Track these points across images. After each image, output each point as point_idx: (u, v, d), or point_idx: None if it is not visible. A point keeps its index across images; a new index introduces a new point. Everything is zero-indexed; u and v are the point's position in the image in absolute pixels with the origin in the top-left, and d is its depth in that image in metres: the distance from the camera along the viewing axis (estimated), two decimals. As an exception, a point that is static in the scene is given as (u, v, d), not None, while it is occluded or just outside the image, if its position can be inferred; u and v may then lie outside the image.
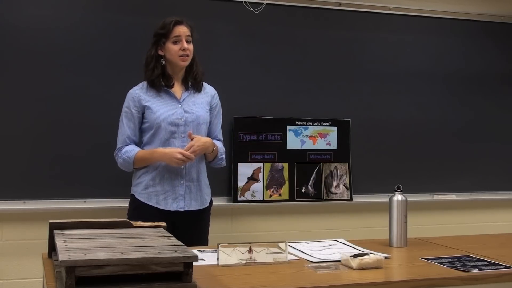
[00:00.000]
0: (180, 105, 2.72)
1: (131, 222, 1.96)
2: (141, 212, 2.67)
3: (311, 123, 3.61)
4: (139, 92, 2.74)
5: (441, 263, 2.02)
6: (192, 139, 2.64)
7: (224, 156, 2.84)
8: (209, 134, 2.83)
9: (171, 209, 2.69)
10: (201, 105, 2.77)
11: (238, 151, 3.44)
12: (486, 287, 1.88)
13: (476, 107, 3.97)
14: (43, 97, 3.12)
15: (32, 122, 3.11)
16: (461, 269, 1.93)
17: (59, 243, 1.64)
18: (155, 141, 2.70)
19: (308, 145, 3.61)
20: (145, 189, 2.71)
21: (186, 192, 2.70)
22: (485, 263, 2.04)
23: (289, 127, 3.57)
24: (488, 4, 3.99)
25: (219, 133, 2.88)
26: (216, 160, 2.82)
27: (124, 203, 3.12)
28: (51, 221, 1.89)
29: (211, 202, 2.85)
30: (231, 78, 3.38)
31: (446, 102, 3.90)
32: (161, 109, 2.69)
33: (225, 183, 3.41)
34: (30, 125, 3.10)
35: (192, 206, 2.73)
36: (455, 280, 1.85)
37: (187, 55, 2.71)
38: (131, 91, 2.77)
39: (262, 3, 3.46)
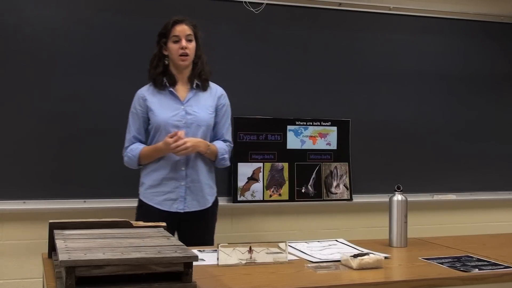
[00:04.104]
0: (182, 107, 2.73)
1: (131, 222, 1.96)
2: (144, 212, 2.70)
3: (311, 123, 3.61)
4: (144, 93, 2.76)
5: (441, 263, 2.02)
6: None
7: (226, 156, 2.81)
8: (215, 135, 2.83)
9: (172, 210, 2.69)
10: (205, 106, 2.77)
11: (238, 151, 3.43)
12: (486, 287, 1.88)
13: (476, 107, 3.97)
14: (43, 97, 3.12)
15: (32, 122, 3.11)
16: (461, 269, 1.93)
17: (59, 243, 1.64)
18: (157, 141, 2.71)
19: (308, 145, 3.61)
20: (147, 190, 2.73)
21: (186, 193, 2.71)
22: (485, 263, 2.04)
23: (289, 127, 3.57)
24: (488, 4, 3.99)
25: (226, 133, 2.86)
26: (218, 160, 2.81)
27: (124, 203, 3.13)
28: (51, 221, 1.89)
29: (216, 202, 2.85)
30: (231, 78, 3.37)
31: (446, 102, 3.90)
32: (162, 111, 2.71)
33: (225, 183, 3.41)
34: (30, 125, 3.10)
35: (193, 207, 2.73)
36: (455, 280, 1.85)
37: (187, 54, 2.71)
38: (138, 91, 2.79)
39: (262, 3, 3.46)
